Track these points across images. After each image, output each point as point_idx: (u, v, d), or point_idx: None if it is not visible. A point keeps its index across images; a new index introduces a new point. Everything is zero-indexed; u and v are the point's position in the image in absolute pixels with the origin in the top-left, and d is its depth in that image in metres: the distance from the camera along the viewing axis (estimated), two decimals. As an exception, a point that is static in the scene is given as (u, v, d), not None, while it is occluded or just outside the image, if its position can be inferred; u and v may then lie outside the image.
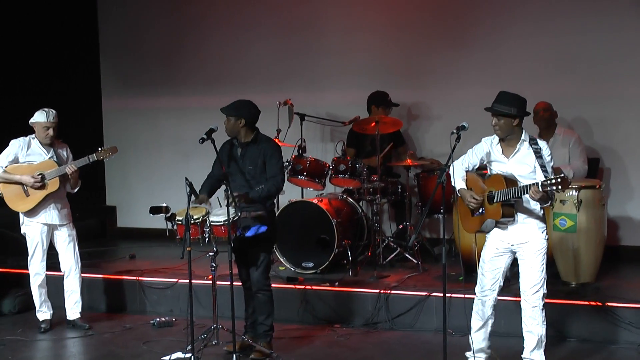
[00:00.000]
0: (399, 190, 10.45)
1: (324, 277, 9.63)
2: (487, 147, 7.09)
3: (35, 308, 9.16)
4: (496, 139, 7.08)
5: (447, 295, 6.98)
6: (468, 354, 7.36)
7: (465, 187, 7.16)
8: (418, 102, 11.45)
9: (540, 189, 6.61)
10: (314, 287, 9.26)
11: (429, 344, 8.26)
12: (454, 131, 6.87)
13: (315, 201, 9.95)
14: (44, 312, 9.14)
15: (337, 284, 9.33)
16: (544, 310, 7.05)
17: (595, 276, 9.05)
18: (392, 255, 10.18)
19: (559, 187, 6.51)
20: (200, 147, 7.93)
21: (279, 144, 9.77)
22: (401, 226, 10.64)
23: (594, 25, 10.56)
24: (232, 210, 7.53)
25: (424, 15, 11.38)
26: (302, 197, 10.63)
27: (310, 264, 9.90)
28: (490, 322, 7.24)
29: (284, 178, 8.10)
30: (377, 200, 10.09)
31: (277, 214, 9.21)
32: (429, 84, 11.34)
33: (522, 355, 7.18)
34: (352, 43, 11.61)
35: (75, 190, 9.05)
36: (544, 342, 7.10)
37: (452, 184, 7.18)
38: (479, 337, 7.27)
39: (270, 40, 12.03)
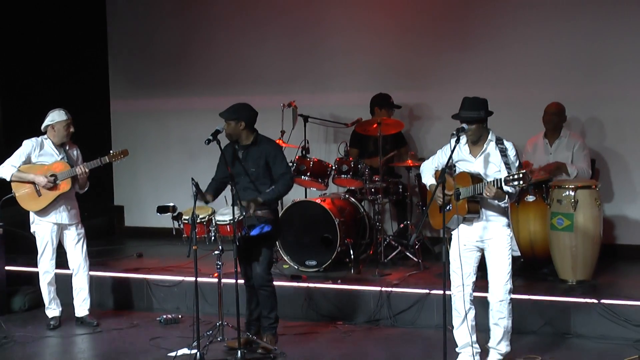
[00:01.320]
0: (400, 190, 10.52)
1: (327, 275, 9.73)
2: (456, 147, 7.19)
3: (44, 305, 9.26)
4: (464, 138, 7.22)
5: (447, 292, 7.14)
6: (457, 349, 7.47)
7: (435, 183, 7.31)
8: (420, 103, 11.52)
9: (504, 184, 6.80)
10: (317, 285, 9.35)
11: (429, 340, 8.31)
12: (454, 132, 7.00)
13: (318, 201, 10.04)
14: (53, 309, 9.24)
15: (339, 281, 9.42)
16: (510, 304, 7.24)
17: (591, 274, 9.16)
18: (394, 254, 10.27)
19: (521, 182, 6.71)
20: (207, 148, 8.00)
21: (283, 145, 9.95)
22: (402, 225, 10.73)
23: (593, 28, 10.67)
24: (237, 210, 7.65)
25: (428, 17, 11.42)
26: (306, 196, 10.70)
27: (314, 262, 10.00)
28: (470, 316, 7.35)
29: (292, 176, 8.14)
30: (379, 200, 10.19)
31: (280, 214, 9.26)
32: (431, 86, 11.38)
33: (489, 345, 7.38)
34: (356, 45, 11.66)
35: (84, 190, 9.16)
36: (510, 333, 7.32)
37: (422, 181, 7.47)
38: (462, 333, 7.39)
39: (275, 42, 12.08)
